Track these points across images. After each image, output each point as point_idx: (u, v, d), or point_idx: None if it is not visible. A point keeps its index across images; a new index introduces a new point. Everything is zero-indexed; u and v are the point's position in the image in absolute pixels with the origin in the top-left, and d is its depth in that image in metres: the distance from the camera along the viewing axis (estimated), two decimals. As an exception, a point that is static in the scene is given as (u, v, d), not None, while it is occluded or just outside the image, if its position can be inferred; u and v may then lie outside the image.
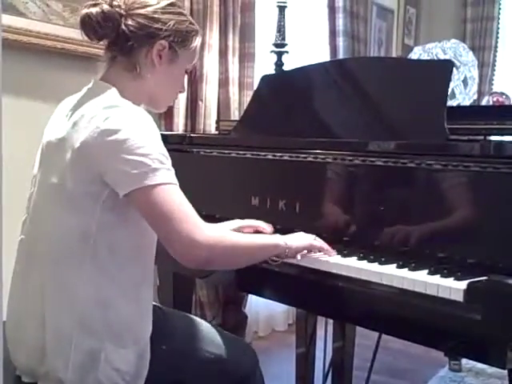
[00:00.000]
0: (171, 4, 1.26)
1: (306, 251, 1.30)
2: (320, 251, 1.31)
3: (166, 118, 2.52)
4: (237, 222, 1.44)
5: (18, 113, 1.99)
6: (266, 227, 1.45)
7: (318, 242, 1.32)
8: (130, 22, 1.21)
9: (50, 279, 1.17)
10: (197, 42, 1.31)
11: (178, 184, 1.13)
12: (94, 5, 1.20)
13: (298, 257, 1.29)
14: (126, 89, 1.22)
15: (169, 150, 1.16)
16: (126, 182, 1.10)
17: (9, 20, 1.90)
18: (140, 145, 1.09)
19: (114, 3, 1.20)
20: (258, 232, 1.44)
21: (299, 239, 1.31)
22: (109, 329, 1.15)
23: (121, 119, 1.11)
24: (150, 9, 1.22)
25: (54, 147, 1.19)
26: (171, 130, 2.49)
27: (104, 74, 1.26)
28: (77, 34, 1.23)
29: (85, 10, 1.20)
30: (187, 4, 2.50)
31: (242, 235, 1.30)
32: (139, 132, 1.11)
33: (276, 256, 1.27)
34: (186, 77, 1.36)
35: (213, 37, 2.61)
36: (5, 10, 1.88)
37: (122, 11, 1.20)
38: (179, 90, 1.37)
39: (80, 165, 1.12)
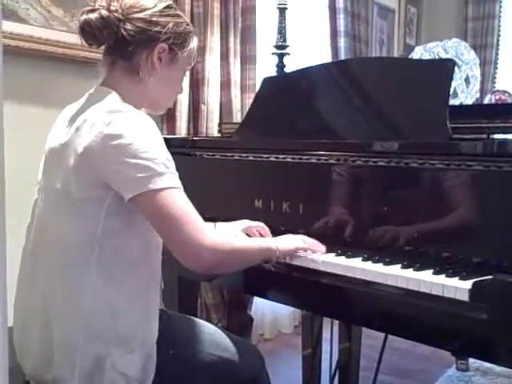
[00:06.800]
0: (168, 6, 1.26)
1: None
2: (306, 251, 1.34)
3: (168, 121, 2.52)
4: (245, 222, 1.48)
5: (20, 119, 1.99)
6: (268, 231, 1.49)
7: (307, 239, 1.34)
8: (128, 26, 1.21)
9: (55, 285, 1.17)
10: (194, 42, 1.31)
11: (182, 188, 1.14)
12: (92, 10, 1.19)
13: (287, 259, 1.32)
14: (128, 93, 1.22)
15: (171, 154, 1.16)
16: (131, 186, 1.10)
17: (10, 26, 1.90)
18: (145, 149, 1.09)
19: (112, 8, 1.20)
20: (261, 235, 1.48)
21: (288, 242, 1.33)
22: (115, 334, 1.15)
23: (124, 124, 1.11)
24: (147, 12, 1.22)
25: (57, 153, 1.19)
26: (173, 134, 2.49)
27: (104, 78, 1.26)
28: (78, 39, 1.22)
29: (83, 17, 1.19)
30: (188, 7, 2.50)
31: (240, 239, 1.33)
32: (143, 136, 1.11)
33: (266, 259, 1.29)
34: (184, 78, 1.37)
35: (214, 40, 2.61)
36: (6, 17, 1.89)
37: (120, 16, 1.20)
38: (178, 91, 1.38)
39: (83, 170, 1.12)
